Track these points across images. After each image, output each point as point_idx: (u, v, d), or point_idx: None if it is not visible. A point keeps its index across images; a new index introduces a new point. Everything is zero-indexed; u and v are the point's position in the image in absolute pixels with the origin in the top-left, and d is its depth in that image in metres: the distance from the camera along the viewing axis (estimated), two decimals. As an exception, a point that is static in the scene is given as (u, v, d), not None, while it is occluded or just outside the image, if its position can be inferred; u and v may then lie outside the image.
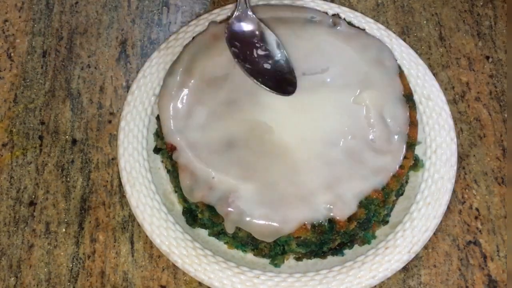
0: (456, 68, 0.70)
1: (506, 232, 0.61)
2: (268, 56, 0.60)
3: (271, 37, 0.61)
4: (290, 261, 0.58)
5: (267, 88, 0.58)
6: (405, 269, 0.59)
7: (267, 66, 0.60)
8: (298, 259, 0.58)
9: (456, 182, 0.62)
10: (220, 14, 0.68)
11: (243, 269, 0.57)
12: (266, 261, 0.58)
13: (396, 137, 0.57)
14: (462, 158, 0.65)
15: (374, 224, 0.58)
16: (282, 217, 0.53)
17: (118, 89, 0.68)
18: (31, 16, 0.72)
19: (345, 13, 0.68)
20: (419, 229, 0.58)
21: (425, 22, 0.72)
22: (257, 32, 0.62)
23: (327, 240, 0.55)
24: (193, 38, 0.63)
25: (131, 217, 0.61)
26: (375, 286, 0.57)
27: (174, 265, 0.59)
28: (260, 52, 0.61)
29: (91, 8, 0.73)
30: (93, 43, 0.71)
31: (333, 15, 0.65)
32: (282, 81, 0.59)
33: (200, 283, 0.59)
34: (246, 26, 0.62)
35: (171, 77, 0.60)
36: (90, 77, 0.69)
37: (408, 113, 0.59)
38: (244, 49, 0.61)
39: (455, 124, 0.65)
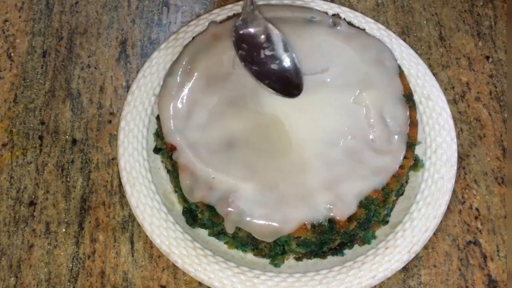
0: (456, 68, 0.70)
1: (506, 232, 0.61)
2: (275, 57, 0.60)
3: (278, 37, 0.61)
4: (290, 261, 0.58)
5: (274, 92, 0.58)
6: (405, 269, 0.59)
7: (274, 66, 0.59)
8: (298, 259, 0.58)
9: (456, 182, 0.62)
10: (220, 14, 0.68)
11: (243, 269, 0.57)
12: (266, 261, 0.58)
13: (396, 137, 0.57)
14: (462, 158, 0.65)
15: (374, 224, 0.58)
16: (282, 217, 0.53)
17: (118, 89, 0.68)
18: (31, 16, 0.72)
19: (345, 13, 0.68)
20: (419, 229, 0.58)
21: (425, 22, 0.72)
22: (263, 33, 0.61)
23: (327, 240, 0.55)
24: (193, 38, 0.63)
25: (131, 217, 0.61)
26: (375, 286, 0.57)
27: (174, 265, 0.59)
28: (267, 53, 0.60)
29: (91, 8, 0.73)
30: (93, 43, 0.71)
31: (333, 15, 0.65)
32: (288, 82, 0.59)
33: (200, 283, 0.59)
34: (253, 27, 0.61)
35: (171, 77, 0.60)
36: (90, 77, 0.69)
37: (408, 113, 0.59)
38: (251, 51, 0.60)
39: (455, 124, 0.65)
